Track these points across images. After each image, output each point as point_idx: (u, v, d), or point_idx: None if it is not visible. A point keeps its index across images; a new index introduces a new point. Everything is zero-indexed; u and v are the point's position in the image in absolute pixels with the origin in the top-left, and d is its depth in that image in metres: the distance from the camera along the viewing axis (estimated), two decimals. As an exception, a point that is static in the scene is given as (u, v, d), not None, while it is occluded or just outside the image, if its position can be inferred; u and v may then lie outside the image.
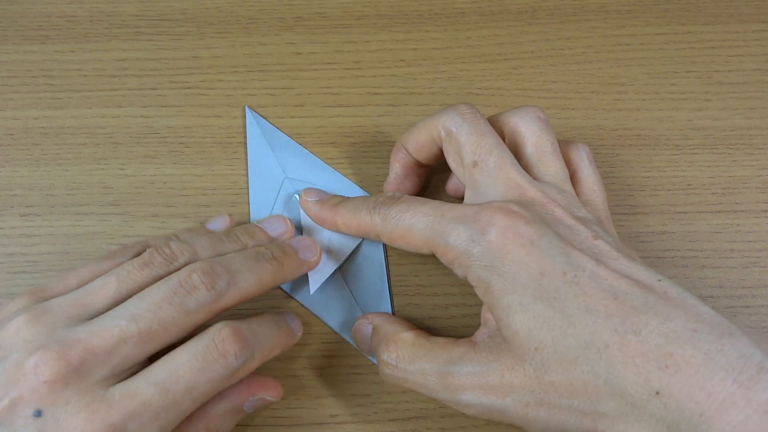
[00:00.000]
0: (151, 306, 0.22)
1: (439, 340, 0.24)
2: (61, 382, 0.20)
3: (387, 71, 0.35)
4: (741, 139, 0.34)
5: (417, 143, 0.28)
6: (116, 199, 0.32)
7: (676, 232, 0.32)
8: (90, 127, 0.34)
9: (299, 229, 0.31)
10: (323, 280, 0.29)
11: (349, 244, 0.30)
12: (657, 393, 0.19)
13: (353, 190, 0.32)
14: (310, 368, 0.29)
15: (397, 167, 0.30)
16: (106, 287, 0.23)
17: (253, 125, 0.33)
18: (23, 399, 0.20)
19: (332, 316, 0.29)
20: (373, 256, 0.30)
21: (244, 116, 0.34)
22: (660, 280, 0.21)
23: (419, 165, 0.30)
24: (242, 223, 0.31)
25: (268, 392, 0.25)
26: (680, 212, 0.32)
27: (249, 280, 0.24)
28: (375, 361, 0.28)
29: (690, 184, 0.33)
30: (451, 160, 0.27)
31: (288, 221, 0.30)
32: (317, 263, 0.29)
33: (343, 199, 0.28)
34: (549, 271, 0.21)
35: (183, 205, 0.32)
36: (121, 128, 0.34)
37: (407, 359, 0.24)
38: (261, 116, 0.34)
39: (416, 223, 0.24)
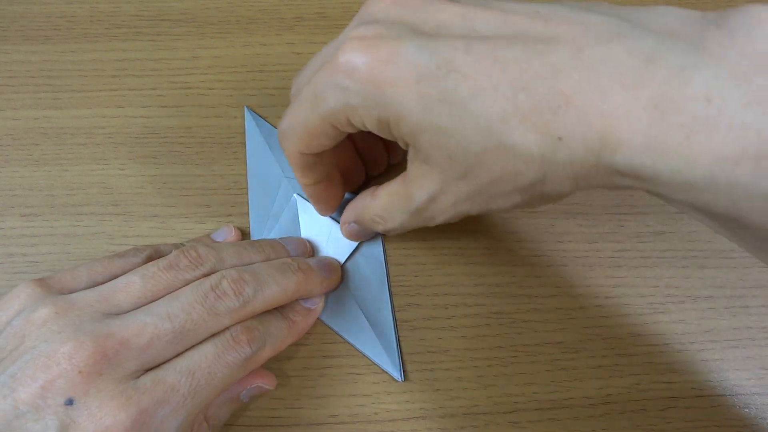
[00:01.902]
0: (185, 306, 0.23)
1: (392, 187, 0.25)
2: (95, 373, 0.20)
3: (387, 71, 0.35)
4: (741, 139, 0.34)
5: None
6: (116, 199, 0.32)
7: (676, 232, 0.32)
8: (90, 127, 0.34)
9: (298, 231, 0.31)
10: None
11: (348, 246, 0.30)
12: (559, 139, 0.18)
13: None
14: (310, 368, 0.29)
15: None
16: (131, 285, 0.24)
17: (252, 125, 0.33)
18: (55, 387, 0.20)
19: (333, 317, 0.29)
20: (373, 256, 0.30)
21: (244, 116, 0.34)
22: (538, 11, 0.20)
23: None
24: (244, 229, 0.31)
25: (264, 380, 0.26)
26: (680, 212, 0.32)
27: (274, 289, 0.25)
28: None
29: (690, 184, 0.33)
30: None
31: (308, 244, 0.30)
32: (338, 282, 0.29)
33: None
34: (422, 76, 0.20)
35: (183, 205, 0.32)
36: (121, 128, 0.34)
37: (390, 221, 0.26)
38: (260, 116, 0.34)
39: (301, 113, 0.23)
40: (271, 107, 0.34)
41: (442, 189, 0.22)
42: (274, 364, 0.29)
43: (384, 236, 0.31)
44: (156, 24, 0.36)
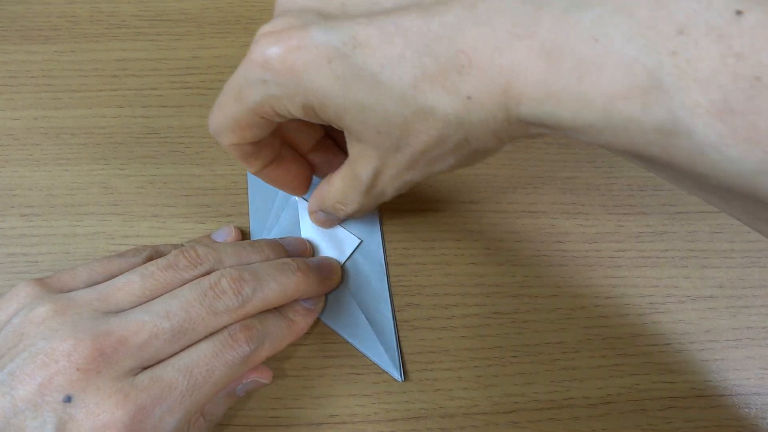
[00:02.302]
0: (183, 305, 0.23)
1: (343, 173, 0.25)
2: (93, 370, 0.21)
3: (387, 71, 0.35)
4: (741, 139, 0.34)
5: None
6: (116, 199, 0.32)
7: (676, 232, 0.32)
8: (90, 127, 0.34)
9: (298, 231, 0.31)
10: None
11: (348, 246, 0.30)
12: (468, 98, 0.18)
13: None
14: (310, 368, 0.29)
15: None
16: (131, 284, 0.24)
17: None
18: (53, 384, 0.20)
19: (332, 317, 0.29)
20: (373, 255, 0.30)
21: None
22: None
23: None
24: (244, 229, 0.31)
25: (260, 374, 0.26)
26: (680, 212, 0.32)
27: (274, 289, 0.25)
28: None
29: (690, 184, 0.33)
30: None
31: (308, 244, 0.30)
32: (338, 283, 0.29)
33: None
34: (332, 57, 0.20)
35: (183, 205, 0.32)
36: (121, 128, 0.34)
37: (350, 205, 0.26)
38: None
39: (228, 109, 0.23)
40: (271, 107, 0.34)
41: (382, 163, 0.22)
42: (274, 364, 0.29)
43: (383, 236, 0.31)
44: (156, 24, 0.36)
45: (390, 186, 0.24)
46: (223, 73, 0.35)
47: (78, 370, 0.20)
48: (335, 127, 0.22)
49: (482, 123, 0.19)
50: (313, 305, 0.28)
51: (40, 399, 0.20)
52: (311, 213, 0.29)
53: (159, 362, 0.22)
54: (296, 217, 0.31)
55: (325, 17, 0.20)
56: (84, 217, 0.32)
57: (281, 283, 0.25)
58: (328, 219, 0.29)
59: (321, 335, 0.30)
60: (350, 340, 0.29)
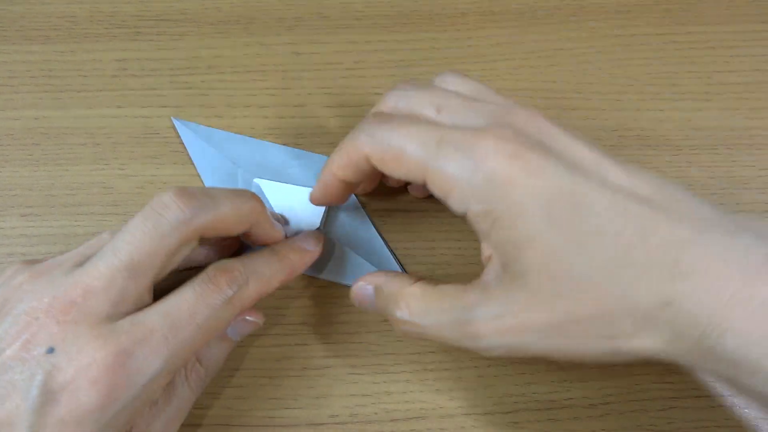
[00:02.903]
0: (126, 237, 0.22)
1: (449, 288, 0.23)
2: (71, 321, 0.21)
3: (387, 71, 0.35)
4: (741, 139, 0.34)
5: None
6: (116, 199, 0.32)
7: (676, 232, 0.32)
8: (90, 127, 0.34)
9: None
10: None
11: (319, 210, 0.30)
12: (668, 303, 0.19)
13: (306, 158, 0.33)
14: (310, 368, 0.29)
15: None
16: (101, 240, 0.25)
17: (188, 133, 0.33)
18: (36, 340, 0.21)
19: (332, 270, 0.30)
20: (350, 206, 0.31)
21: (175, 128, 0.34)
22: (662, 185, 0.21)
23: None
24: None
25: (249, 314, 0.26)
26: (680, 212, 0.32)
27: (227, 205, 0.24)
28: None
29: (690, 184, 0.33)
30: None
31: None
32: (316, 250, 0.28)
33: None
34: (557, 196, 0.20)
35: (183, 205, 0.32)
36: (121, 128, 0.34)
37: (421, 314, 0.23)
38: (189, 122, 0.34)
39: (409, 144, 0.22)
40: (271, 107, 0.34)
41: (523, 309, 0.21)
42: (275, 364, 0.29)
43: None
44: (156, 24, 0.36)
45: (496, 342, 0.22)
46: (223, 73, 0.35)
47: (57, 323, 0.21)
48: (488, 248, 0.22)
49: (662, 326, 0.20)
50: (311, 246, 0.27)
51: (26, 354, 0.21)
52: (359, 283, 0.26)
53: (141, 309, 0.23)
54: (263, 199, 0.30)
55: (559, 157, 0.21)
56: (84, 217, 0.32)
57: (236, 204, 0.24)
58: (366, 300, 0.26)
59: (321, 335, 0.30)
60: (347, 282, 0.30)
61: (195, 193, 0.23)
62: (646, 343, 0.20)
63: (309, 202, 0.28)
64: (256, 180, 0.31)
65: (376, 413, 0.28)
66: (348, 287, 0.28)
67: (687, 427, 0.28)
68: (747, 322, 0.18)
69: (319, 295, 0.30)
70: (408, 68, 0.35)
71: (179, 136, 0.33)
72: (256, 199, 0.25)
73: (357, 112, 0.34)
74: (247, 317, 0.26)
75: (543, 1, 0.37)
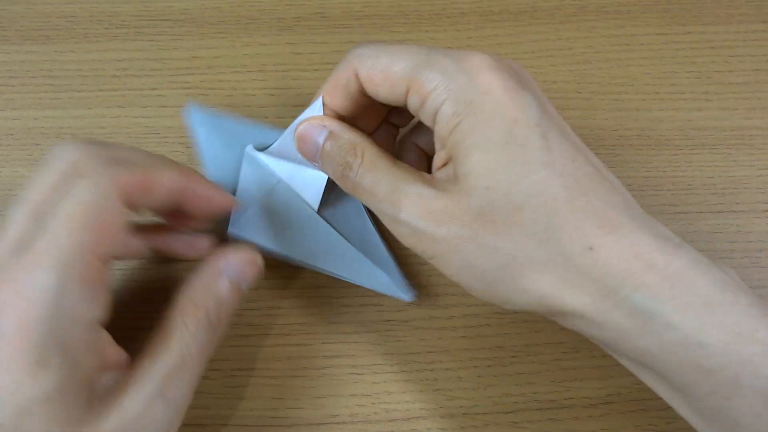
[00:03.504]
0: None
1: (400, 163, 0.25)
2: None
3: (387, 71, 0.35)
4: (741, 139, 0.34)
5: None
6: (116, 199, 0.32)
7: (676, 232, 0.31)
8: (90, 127, 0.34)
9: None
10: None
11: (318, 182, 0.28)
12: (590, 248, 0.20)
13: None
14: (310, 368, 0.29)
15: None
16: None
17: (200, 117, 0.31)
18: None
19: (324, 258, 0.29)
20: (348, 197, 0.28)
21: (188, 115, 0.31)
22: (609, 170, 0.23)
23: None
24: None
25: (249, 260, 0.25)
26: (680, 212, 0.32)
27: (150, 159, 0.24)
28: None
29: (690, 184, 0.33)
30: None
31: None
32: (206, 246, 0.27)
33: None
34: (523, 120, 0.22)
35: (183, 205, 0.32)
36: (121, 128, 0.34)
37: (368, 167, 0.24)
38: (204, 106, 0.31)
39: (399, 58, 0.23)
40: (272, 107, 0.34)
41: (451, 200, 0.22)
42: (275, 364, 0.29)
43: None
44: (156, 24, 0.36)
45: (413, 219, 0.23)
46: (223, 73, 0.35)
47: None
48: (441, 148, 0.24)
49: (577, 270, 0.21)
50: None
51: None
52: (301, 137, 0.26)
53: None
54: (262, 168, 0.29)
55: (536, 97, 0.23)
56: (84, 217, 0.32)
57: (161, 160, 0.24)
58: (313, 155, 0.26)
59: (321, 335, 0.30)
60: (347, 276, 0.29)
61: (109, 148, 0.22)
62: (549, 281, 0.21)
63: (308, 182, 0.28)
64: (248, 148, 0.29)
65: (376, 413, 0.28)
66: (335, 278, 0.29)
67: (687, 427, 0.28)
68: (661, 284, 0.20)
69: (319, 295, 0.30)
70: (408, 68, 0.35)
71: (182, 133, 0.33)
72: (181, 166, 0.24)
73: (357, 112, 0.34)
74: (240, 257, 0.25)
75: (543, 1, 0.37)
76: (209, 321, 0.23)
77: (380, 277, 0.28)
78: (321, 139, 0.26)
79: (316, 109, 0.26)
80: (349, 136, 0.25)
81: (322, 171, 0.27)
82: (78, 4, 0.37)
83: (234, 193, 0.29)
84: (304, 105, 0.34)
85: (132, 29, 0.36)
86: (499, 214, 0.21)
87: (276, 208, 0.29)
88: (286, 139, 0.28)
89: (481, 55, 0.23)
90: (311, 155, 0.26)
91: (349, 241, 0.29)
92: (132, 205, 0.22)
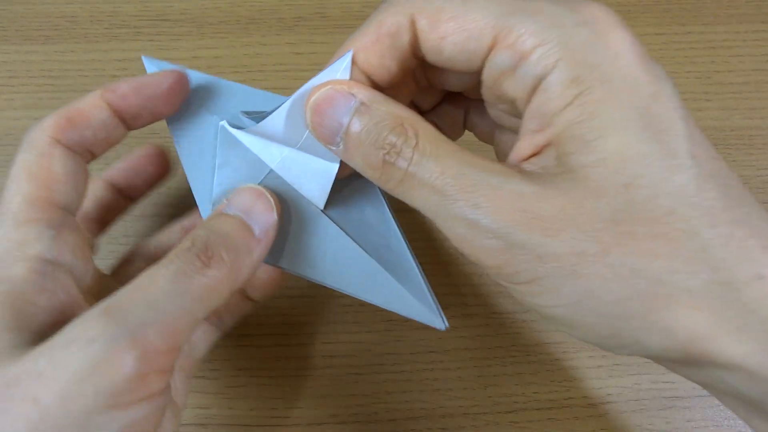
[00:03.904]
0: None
1: (465, 150, 0.17)
2: None
3: (387, 71, 0.35)
4: (741, 139, 0.34)
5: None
6: (116, 199, 0.32)
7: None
8: (90, 127, 0.34)
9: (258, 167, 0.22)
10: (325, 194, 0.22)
11: (326, 175, 0.21)
12: (760, 277, 0.15)
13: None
14: (310, 368, 0.29)
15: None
16: None
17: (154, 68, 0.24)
18: None
19: (339, 275, 0.22)
20: (366, 190, 0.23)
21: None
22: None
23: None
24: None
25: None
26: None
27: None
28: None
29: (690, 184, 0.33)
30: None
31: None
32: (274, 228, 0.21)
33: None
34: (663, 96, 0.16)
35: (183, 205, 0.32)
36: (121, 128, 0.34)
37: (428, 151, 0.17)
38: (161, 61, 0.25)
39: (480, 3, 0.17)
40: (271, 107, 0.34)
41: (570, 202, 0.16)
42: (275, 363, 0.29)
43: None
44: (156, 24, 0.36)
45: (504, 225, 0.16)
46: (223, 73, 0.35)
47: None
48: (540, 130, 0.17)
49: (741, 306, 0.15)
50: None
51: None
52: (323, 104, 0.19)
53: None
54: (241, 148, 0.22)
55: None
56: (84, 217, 0.32)
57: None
58: (333, 134, 0.18)
59: (321, 335, 0.30)
60: (368, 298, 0.22)
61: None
62: (724, 338, 0.15)
63: (311, 172, 0.21)
64: (222, 122, 0.23)
65: (376, 413, 0.28)
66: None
67: (687, 427, 0.28)
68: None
69: (320, 295, 0.30)
70: (408, 68, 0.35)
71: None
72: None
73: (357, 112, 0.34)
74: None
75: None
76: (193, 247, 0.18)
77: (408, 300, 0.21)
78: (347, 113, 0.18)
79: (339, 70, 0.19)
80: (390, 107, 0.18)
81: (343, 158, 0.19)
82: (78, 4, 0.37)
83: (209, 186, 0.23)
84: (304, 105, 0.34)
85: (132, 29, 0.36)
86: (641, 222, 0.15)
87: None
88: (280, 114, 0.21)
89: (600, 5, 0.17)
90: (329, 135, 0.18)
91: (366, 251, 0.22)
92: (75, 143, 0.22)
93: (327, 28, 0.36)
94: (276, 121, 0.21)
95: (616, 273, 0.15)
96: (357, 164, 0.18)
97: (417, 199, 0.17)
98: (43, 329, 0.18)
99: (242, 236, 0.19)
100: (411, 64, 0.19)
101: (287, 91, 0.35)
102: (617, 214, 0.15)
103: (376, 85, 0.19)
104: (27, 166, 0.20)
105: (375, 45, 0.18)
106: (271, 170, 0.22)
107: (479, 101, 0.21)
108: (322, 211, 0.22)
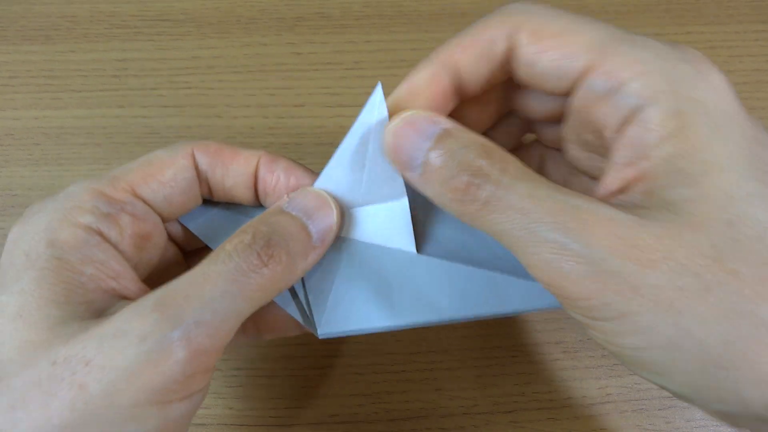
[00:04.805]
0: None
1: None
2: None
3: (387, 71, 0.35)
4: (741, 139, 0.34)
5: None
6: (116, 199, 0.32)
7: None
8: (90, 127, 0.34)
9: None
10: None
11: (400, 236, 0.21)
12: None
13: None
14: (310, 368, 0.29)
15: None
16: None
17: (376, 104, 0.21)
18: None
19: (476, 301, 0.21)
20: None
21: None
22: None
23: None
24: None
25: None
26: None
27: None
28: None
29: (690, 184, 0.33)
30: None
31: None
32: (336, 227, 0.20)
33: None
34: (763, 142, 0.16)
35: (183, 205, 0.32)
36: (121, 128, 0.34)
37: (517, 173, 0.16)
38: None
39: (585, 25, 0.17)
40: (271, 107, 0.34)
41: (673, 239, 0.15)
42: (275, 364, 0.29)
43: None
44: (156, 24, 0.36)
45: (602, 251, 0.15)
46: (223, 73, 0.35)
47: None
48: (628, 164, 0.16)
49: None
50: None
51: None
52: (403, 131, 0.18)
53: None
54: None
55: None
56: (84, 217, 0.32)
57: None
58: (411, 161, 0.18)
59: (321, 335, 0.30)
60: (503, 310, 0.20)
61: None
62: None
63: (383, 222, 0.21)
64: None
65: (376, 413, 0.28)
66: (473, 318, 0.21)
67: (687, 427, 0.28)
68: None
69: (319, 295, 0.30)
70: (408, 68, 0.35)
71: (182, 133, 0.33)
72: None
73: (357, 111, 0.34)
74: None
75: (543, 1, 0.37)
76: (254, 244, 0.18)
77: (531, 289, 0.20)
78: (429, 138, 0.17)
79: (376, 107, 0.19)
80: (474, 135, 0.17)
81: (417, 184, 0.18)
82: (78, 4, 0.37)
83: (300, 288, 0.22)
84: (304, 105, 0.34)
85: (132, 29, 0.36)
86: (746, 263, 0.14)
87: (362, 277, 0.21)
88: (328, 180, 0.20)
89: (693, 49, 0.17)
90: (408, 159, 0.18)
91: (480, 266, 0.21)
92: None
93: (327, 28, 0.36)
94: (328, 180, 0.21)
95: (719, 313, 0.14)
96: (433, 190, 0.18)
97: (500, 222, 0.16)
98: (91, 301, 0.18)
99: (302, 240, 0.19)
100: (499, 77, 0.19)
101: (287, 90, 0.36)
102: (720, 252, 0.14)
103: (459, 95, 0.19)
104: (156, 157, 0.21)
105: (472, 47, 0.18)
106: (351, 241, 0.22)
107: (554, 150, 0.21)
108: (415, 252, 0.21)
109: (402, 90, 0.19)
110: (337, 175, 0.20)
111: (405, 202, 0.20)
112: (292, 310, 0.21)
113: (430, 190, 0.18)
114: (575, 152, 0.20)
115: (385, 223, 0.21)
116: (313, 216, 0.20)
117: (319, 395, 0.28)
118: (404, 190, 0.20)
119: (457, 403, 0.28)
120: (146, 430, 0.17)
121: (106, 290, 0.18)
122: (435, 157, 0.17)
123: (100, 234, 0.19)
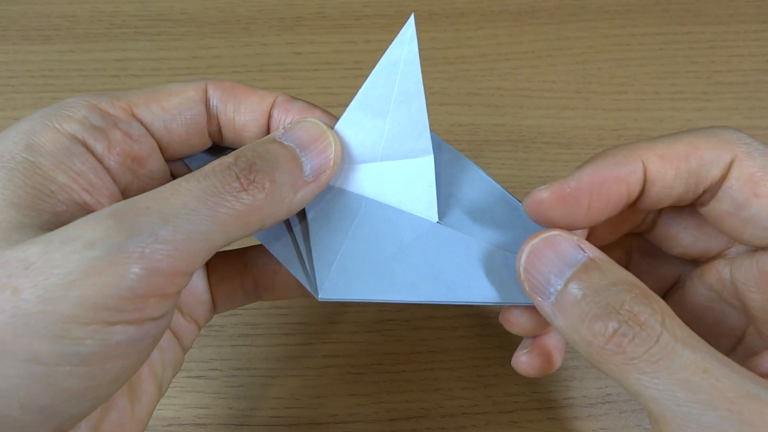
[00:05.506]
0: None
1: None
2: None
3: (387, 71, 0.35)
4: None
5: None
6: (116, 199, 0.32)
7: (676, 232, 0.32)
8: (90, 127, 0.34)
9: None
10: None
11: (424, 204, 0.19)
12: None
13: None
14: (310, 368, 0.29)
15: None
16: None
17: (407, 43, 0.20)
18: None
19: (498, 286, 0.19)
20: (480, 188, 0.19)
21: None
22: None
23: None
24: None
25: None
26: (680, 212, 0.32)
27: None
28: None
29: (690, 184, 0.33)
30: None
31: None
32: (334, 163, 0.18)
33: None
34: None
35: (183, 205, 0.32)
36: (121, 128, 0.34)
37: (680, 334, 0.14)
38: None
39: (708, 134, 0.17)
40: (271, 107, 0.34)
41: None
42: (275, 363, 0.29)
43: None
44: (156, 24, 0.36)
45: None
46: (223, 73, 0.35)
47: None
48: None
49: None
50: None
51: None
52: (544, 249, 0.17)
53: None
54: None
55: None
56: (84, 217, 0.32)
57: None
58: (544, 286, 0.16)
59: (320, 335, 0.30)
60: (511, 299, 0.19)
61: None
62: None
63: (404, 185, 0.19)
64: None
65: (376, 413, 0.28)
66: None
67: (687, 427, 0.28)
68: None
69: (319, 295, 0.30)
70: (408, 68, 0.35)
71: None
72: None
73: (357, 112, 0.34)
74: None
75: (543, 1, 0.37)
76: (234, 165, 0.16)
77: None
78: (570, 265, 0.16)
79: (406, 41, 0.18)
80: (623, 272, 0.16)
81: (549, 314, 0.16)
82: (78, 4, 0.37)
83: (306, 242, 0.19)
84: (304, 105, 0.34)
85: (132, 29, 0.36)
86: None
87: (374, 241, 0.19)
88: (348, 124, 0.19)
89: None
90: (541, 284, 0.16)
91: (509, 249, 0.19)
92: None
93: (327, 28, 0.36)
94: (346, 134, 0.18)
95: None
96: (567, 325, 0.16)
97: (648, 387, 0.14)
98: (59, 212, 0.16)
99: (291, 170, 0.17)
100: (614, 211, 0.17)
101: (287, 91, 0.36)
102: None
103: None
104: (166, 86, 0.19)
105: (675, 159, 0.17)
106: (365, 200, 0.19)
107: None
108: (437, 222, 0.19)
109: (576, 178, 0.17)
110: (356, 119, 0.18)
111: (430, 160, 0.18)
112: (295, 269, 0.19)
113: (562, 322, 0.16)
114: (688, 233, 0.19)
115: (405, 183, 0.19)
116: (308, 148, 0.18)
117: (319, 395, 0.28)
118: (430, 146, 0.18)
119: (457, 403, 0.28)
120: (82, 351, 0.14)
121: (78, 203, 0.17)
122: (575, 289, 0.15)
123: (85, 144, 0.17)
